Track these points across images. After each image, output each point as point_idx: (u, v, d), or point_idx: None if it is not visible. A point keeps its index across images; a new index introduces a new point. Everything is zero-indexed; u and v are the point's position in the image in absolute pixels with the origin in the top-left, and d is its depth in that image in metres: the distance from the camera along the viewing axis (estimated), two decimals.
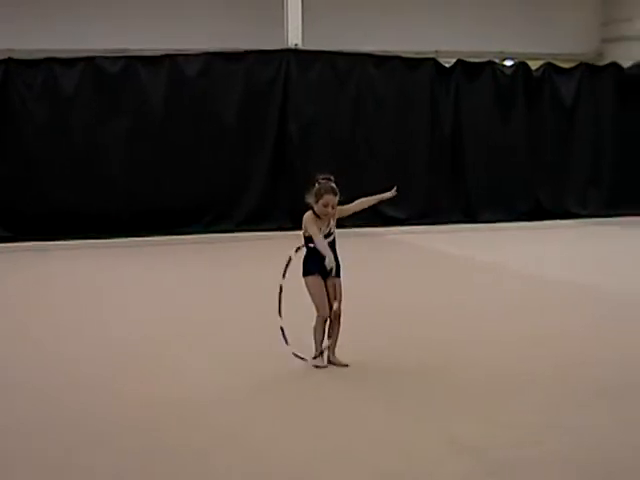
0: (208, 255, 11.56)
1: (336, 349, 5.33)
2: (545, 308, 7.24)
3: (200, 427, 4.18)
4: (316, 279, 5.12)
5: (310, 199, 5.18)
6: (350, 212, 5.34)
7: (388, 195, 5.43)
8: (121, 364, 5.45)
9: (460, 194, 15.06)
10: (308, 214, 5.18)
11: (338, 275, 5.21)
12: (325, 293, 5.16)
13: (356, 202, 5.35)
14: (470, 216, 15.00)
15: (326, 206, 5.11)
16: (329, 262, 4.98)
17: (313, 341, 5.21)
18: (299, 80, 14.00)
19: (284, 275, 5.17)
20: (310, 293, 5.17)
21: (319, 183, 5.19)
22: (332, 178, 5.20)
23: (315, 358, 5.18)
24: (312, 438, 3.99)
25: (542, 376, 4.99)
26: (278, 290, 5.18)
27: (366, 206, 5.39)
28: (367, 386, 4.78)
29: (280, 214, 13.72)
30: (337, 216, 5.24)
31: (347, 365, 5.21)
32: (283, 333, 5.18)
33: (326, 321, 5.21)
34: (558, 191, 15.52)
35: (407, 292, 8.12)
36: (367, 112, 14.45)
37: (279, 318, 5.19)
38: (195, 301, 7.77)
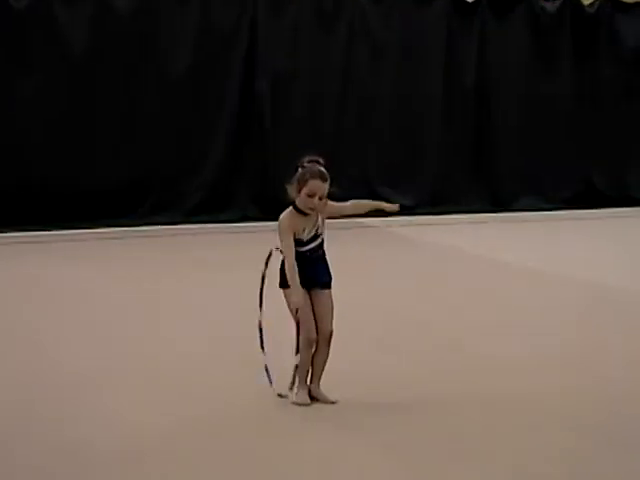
0: (144, 254, 10.24)
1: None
2: (575, 326, 6.91)
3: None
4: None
5: (291, 189, 4.71)
6: (343, 213, 4.95)
7: (389, 207, 5.02)
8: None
9: (485, 174, 13.75)
10: (285, 214, 4.71)
11: (328, 287, 4.82)
12: (310, 309, 4.73)
13: (351, 202, 4.98)
14: (499, 203, 13.75)
15: (311, 196, 4.64)
16: (296, 300, 4.60)
17: (300, 375, 4.80)
18: (270, 24, 12.43)
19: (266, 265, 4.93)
20: (291, 309, 4.73)
21: (303, 167, 4.70)
22: (321, 161, 4.75)
23: (306, 404, 4.81)
24: None
25: (561, 413, 4.78)
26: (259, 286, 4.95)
27: (362, 211, 5.04)
28: (358, 425, 4.55)
29: (244, 199, 12.33)
30: (328, 214, 4.80)
31: (335, 402, 4.81)
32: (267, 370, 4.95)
33: (312, 345, 4.75)
34: (617, 169, 14.31)
35: (400, 299, 7.81)
36: (361, 64, 12.92)
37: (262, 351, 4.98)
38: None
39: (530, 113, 13.74)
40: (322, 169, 4.72)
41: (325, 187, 4.68)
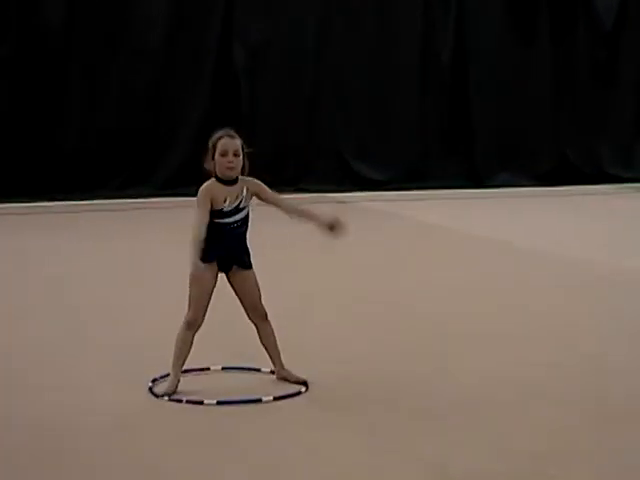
0: (113, 226, 10.28)
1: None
2: (549, 303, 6.80)
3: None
4: (207, 271, 4.46)
5: (208, 163, 4.60)
6: (271, 201, 4.65)
7: (326, 222, 4.57)
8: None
9: (461, 148, 13.86)
10: (206, 183, 4.60)
11: (249, 267, 4.66)
12: (208, 291, 4.53)
13: (285, 198, 4.81)
14: (475, 179, 13.84)
15: (224, 155, 4.53)
16: (195, 265, 4.31)
17: (173, 359, 4.52)
18: None
19: None
20: (190, 284, 4.53)
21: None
22: (232, 133, 4.70)
23: (168, 393, 4.44)
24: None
25: (550, 390, 4.81)
26: None
27: (290, 213, 4.68)
28: (329, 406, 4.47)
29: None
30: (255, 190, 4.62)
31: (305, 380, 4.66)
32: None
33: (197, 330, 4.57)
34: (592, 145, 14.40)
35: (372, 280, 7.55)
36: (336, 32, 12.99)
37: None
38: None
39: (506, 88, 13.73)
40: (229, 129, 4.66)
41: (236, 143, 4.59)
